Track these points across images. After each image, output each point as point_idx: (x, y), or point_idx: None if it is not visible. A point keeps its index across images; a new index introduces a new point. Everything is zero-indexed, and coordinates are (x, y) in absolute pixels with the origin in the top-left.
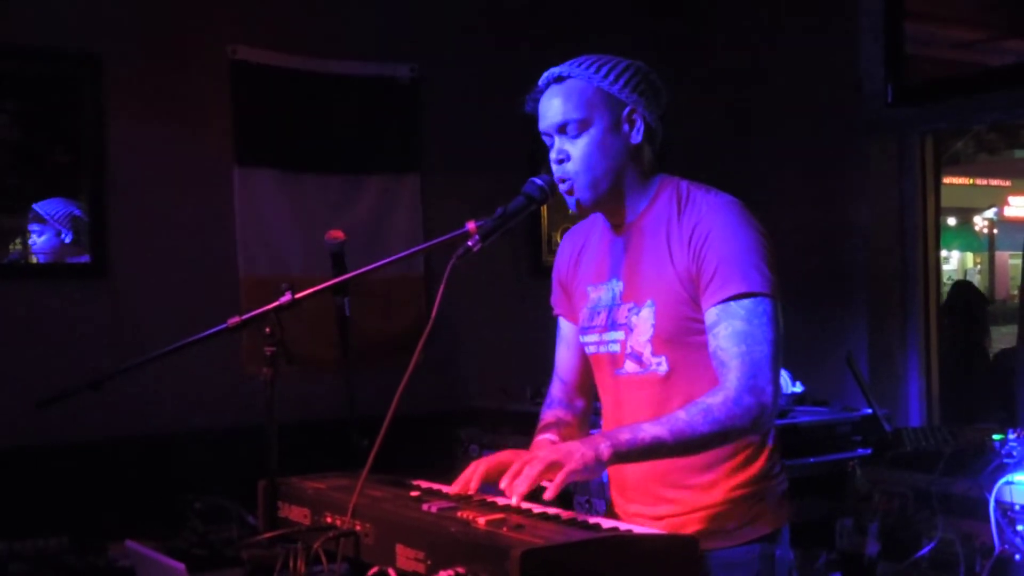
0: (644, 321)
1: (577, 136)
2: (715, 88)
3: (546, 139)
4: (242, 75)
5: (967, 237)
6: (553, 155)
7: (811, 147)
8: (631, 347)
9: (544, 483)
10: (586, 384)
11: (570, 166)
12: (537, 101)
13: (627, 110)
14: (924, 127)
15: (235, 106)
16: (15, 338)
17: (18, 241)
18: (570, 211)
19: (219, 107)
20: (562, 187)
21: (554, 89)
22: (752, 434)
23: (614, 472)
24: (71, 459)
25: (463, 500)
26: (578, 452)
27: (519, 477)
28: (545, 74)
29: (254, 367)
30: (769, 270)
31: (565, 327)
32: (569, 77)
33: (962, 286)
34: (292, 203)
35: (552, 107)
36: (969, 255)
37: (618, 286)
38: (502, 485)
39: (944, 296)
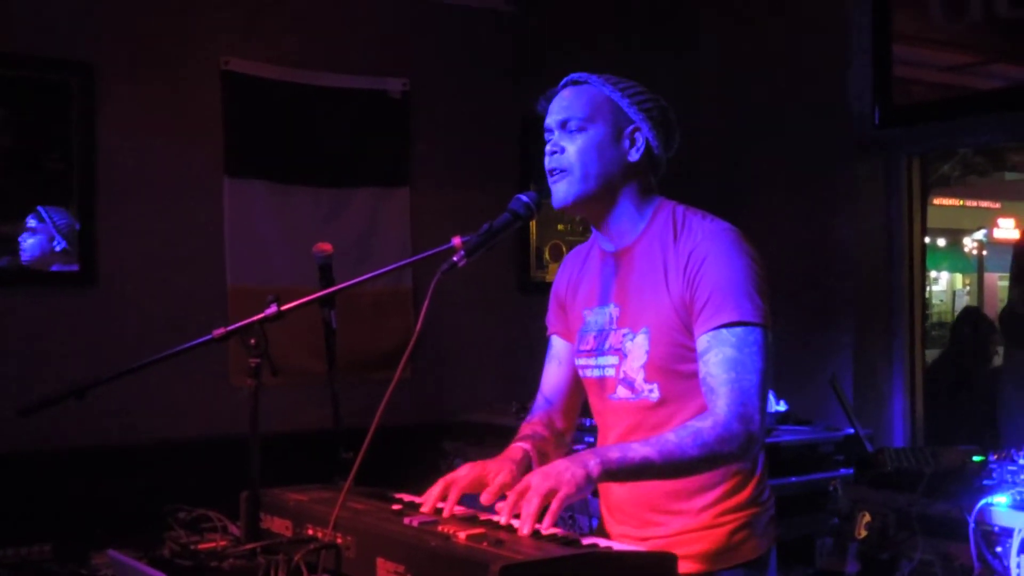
0: (638, 347)
1: (576, 133)
2: (703, 107)
3: (547, 136)
4: (233, 86)
5: (956, 258)
6: (548, 147)
7: (798, 167)
8: (624, 373)
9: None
10: (571, 405)
11: (563, 158)
12: (550, 100)
13: (631, 127)
14: (911, 149)
15: (226, 117)
16: (1, 344)
17: (7, 248)
18: (553, 207)
19: (210, 118)
20: (551, 179)
21: (568, 90)
22: (739, 461)
23: (604, 494)
24: (55, 467)
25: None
26: (568, 473)
27: (523, 514)
28: (566, 77)
29: (240, 378)
30: (762, 299)
31: (558, 345)
32: (586, 83)
33: (971, 312)
34: (281, 215)
35: (560, 104)
36: (958, 276)
37: (614, 310)
38: (501, 519)
39: (944, 315)
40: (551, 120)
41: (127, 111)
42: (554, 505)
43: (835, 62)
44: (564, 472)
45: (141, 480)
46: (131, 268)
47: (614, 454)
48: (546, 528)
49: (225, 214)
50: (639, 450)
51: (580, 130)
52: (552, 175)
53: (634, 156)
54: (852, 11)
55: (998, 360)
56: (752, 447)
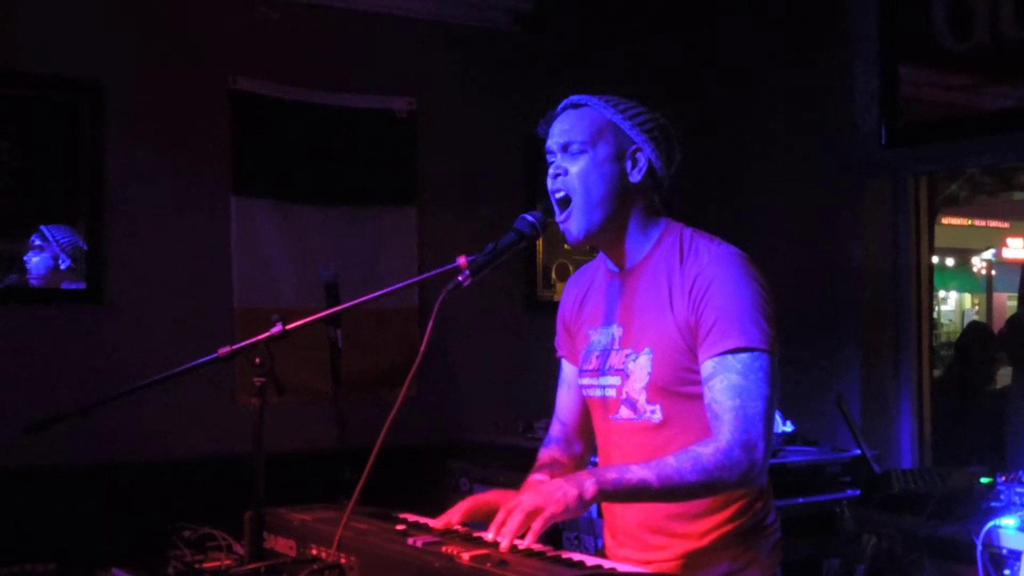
0: (641, 368)
1: (578, 155)
2: (710, 128)
3: (549, 158)
4: (241, 105)
5: (965, 278)
6: (551, 170)
7: (805, 187)
8: (626, 393)
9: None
10: (586, 427)
11: (567, 180)
12: (550, 123)
13: (633, 147)
14: (918, 169)
15: (233, 136)
16: (9, 362)
17: (16, 266)
18: (569, 243)
19: (218, 136)
20: (558, 208)
21: (568, 113)
22: (740, 488)
23: (607, 516)
24: (60, 485)
25: (448, 535)
26: (559, 492)
27: (503, 529)
28: (565, 100)
29: (246, 396)
30: (768, 325)
31: (567, 369)
32: (585, 105)
33: (977, 327)
34: (288, 234)
35: (561, 127)
36: (967, 296)
37: (617, 331)
38: (489, 535)
39: (953, 335)
40: (552, 143)
41: (135, 130)
42: (536, 524)
43: (841, 82)
44: (555, 492)
45: (146, 498)
46: (138, 286)
47: (611, 475)
48: (528, 543)
49: (232, 233)
50: (637, 472)
51: (582, 152)
52: (558, 202)
53: (636, 177)
54: (858, 31)
55: (1004, 380)
56: (754, 475)
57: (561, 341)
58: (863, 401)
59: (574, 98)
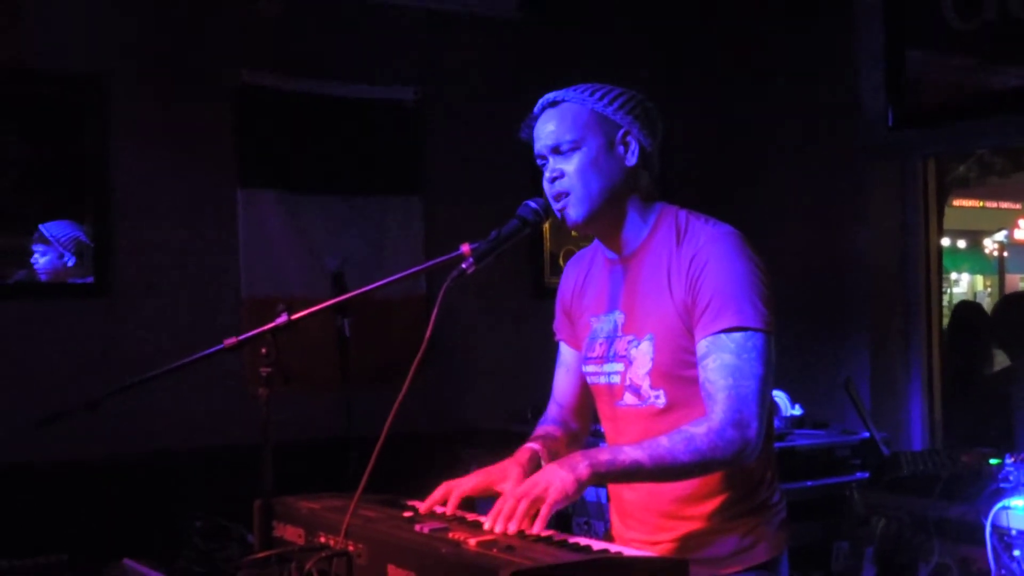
0: (643, 354)
1: (570, 154)
2: (717, 114)
3: (540, 162)
4: (246, 97)
5: (977, 260)
6: (547, 174)
7: (813, 171)
8: (630, 379)
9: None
10: (583, 409)
11: (565, 181)
12: (532, 127)
13: (621, 132)
14: (926, 151)
15: (239, 128)
16: (19, 356)
17: (24, 261)
18: (569, 226)
19: (223, 129)
20: (556, 204)
21: (549, 113)
22: (732, 467)
23: (614, 500)
24: (71, 478)
25: (455, 521)
26: (556, 479)
27: (508, 520)
28: (541, 100)
29: (253, 387)
30: (763, 304)
31: (566, 352)
32: (564, 101)
33: (966, 306)
34: (295, 224)
35: (546, 130)
36: (979, 278)
37: (619, 317)
38: (490, 527)
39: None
40: (540, 146)
41: (141, 124)
42: (543, 513)
43: (847, 64)
44: (553, 479)
45: (156, 490)
46: (146, 279)
47: (604, 456)
48: (536, 531)
49: (239, 224)
50: (630, 453)
51: (573, 150)
52: (558, 201)
53: (631, 160)
54: (864, 12)
55: (1002, 358)
56: (748, 453)
57: (560, 325)
58: (872, 384)
59: (549, 96)
